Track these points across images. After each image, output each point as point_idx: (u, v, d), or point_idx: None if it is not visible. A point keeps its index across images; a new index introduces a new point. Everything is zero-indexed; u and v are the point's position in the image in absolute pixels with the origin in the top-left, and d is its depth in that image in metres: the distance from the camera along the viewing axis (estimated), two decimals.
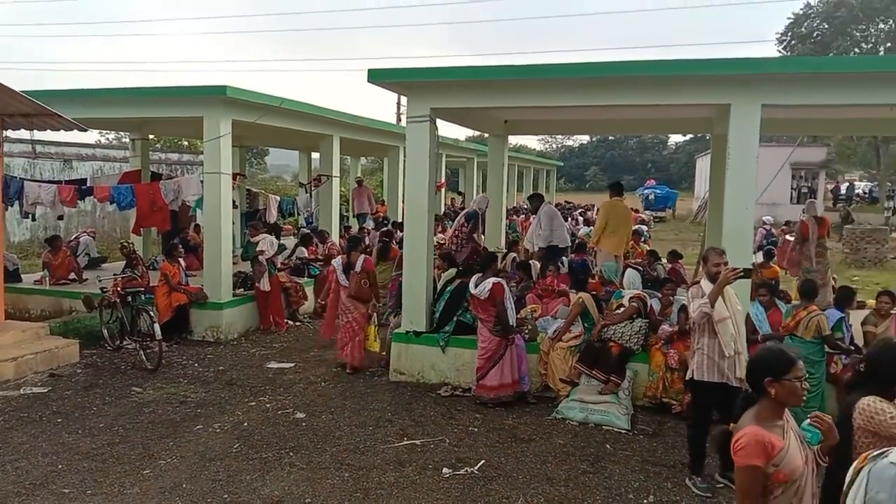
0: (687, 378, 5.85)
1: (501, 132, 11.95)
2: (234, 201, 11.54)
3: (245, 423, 6.89)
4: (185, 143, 29.00)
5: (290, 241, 13.65)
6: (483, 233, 11.41)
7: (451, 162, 25.13)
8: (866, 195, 37.06)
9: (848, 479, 2.65)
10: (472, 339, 7.72)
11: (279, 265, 11.50)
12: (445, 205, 22.67)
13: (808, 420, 3.11)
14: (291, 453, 6.17)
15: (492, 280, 7.45)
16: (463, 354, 7.98)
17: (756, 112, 7.03)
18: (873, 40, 35.29)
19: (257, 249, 10.56)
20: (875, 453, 2.57)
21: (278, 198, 13.57)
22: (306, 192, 13.95)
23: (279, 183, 39.64)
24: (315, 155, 16.85)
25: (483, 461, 6.01)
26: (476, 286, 7.47)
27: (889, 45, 34.27)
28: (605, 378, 7.26)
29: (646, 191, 37.57)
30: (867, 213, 30.83)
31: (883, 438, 3.20)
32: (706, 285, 5.55)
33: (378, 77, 8.06)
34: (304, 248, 12.83)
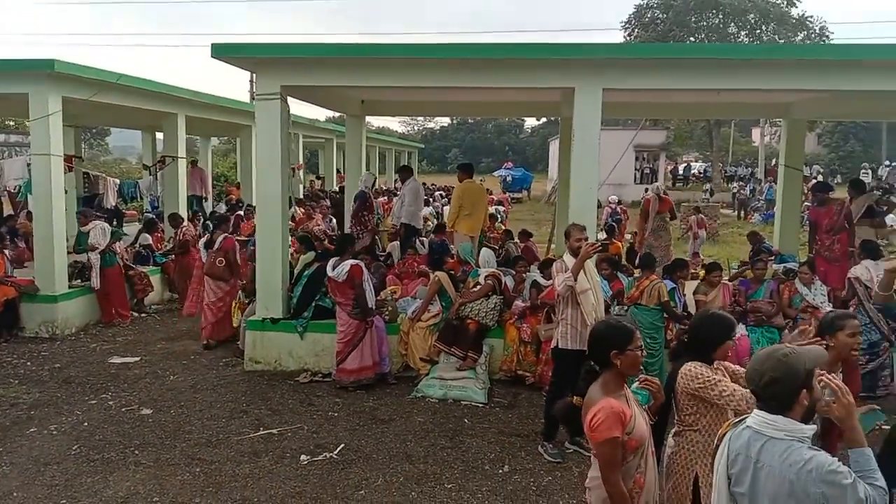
0: (552, 347, 6.10)
1: (358, 112, 11.78)
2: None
3: (85, 423, 6.40)
4: (12, 122, 26.38)
5: (134, 228, 12.78)
6: (369, 214, 11.06)
7: (310, 143, 24.57)
8: (701, 175, 40.17)
9: (715, 444, 2.77)
10: (332, 324, 7.59)
11: (121, 253, 10.72)
12: (304, 187, 22.15)
13: (637, 383, 3.31)
14: (137, 452, 5.81)
15: (350, 262, 7.35)
16: (322, 339, 7.84)
17: (598, 95, 7.35)
18: (705, 31, 38.14)
19: (89, 243, 9.77)
20: (737, 420, 2.70)
21: (118, 181, 12.66)
22: (150, 175, 13.10)
23: (123, 165, 37.10)
24: (160, 135, 15.85)
25: (343, 445, 5.95)
26: (334, 269, 7.35)
27: (715, 36, 37.15)
28: (463, 354, 7.39)
29: (504, 173, 38.65)
30: (701, 191, 33.44)
31: (702, 401, 3.46)
32: (568, 260, 5.80)
33: (223, 52, 7.66)
34: (148, 235, 12.05)
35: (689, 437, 3.51)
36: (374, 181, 11.04)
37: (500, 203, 24.80)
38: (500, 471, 5.58)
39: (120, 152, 52.49)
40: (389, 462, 5.66)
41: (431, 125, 68.99)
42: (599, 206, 15.32)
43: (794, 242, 11.49)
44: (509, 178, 37.05)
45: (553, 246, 12.13)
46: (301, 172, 20.81)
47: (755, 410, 2.55)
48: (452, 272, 8.45)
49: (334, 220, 13.85)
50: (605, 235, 12.36)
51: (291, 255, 8.93)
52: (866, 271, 7.36)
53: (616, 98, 9.02)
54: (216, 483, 5.25)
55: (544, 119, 50.14)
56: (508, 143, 63.29)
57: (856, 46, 8.40)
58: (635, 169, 34.87)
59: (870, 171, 28.96)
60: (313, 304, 7.92)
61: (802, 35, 36.67)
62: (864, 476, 2.37)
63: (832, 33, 37.51)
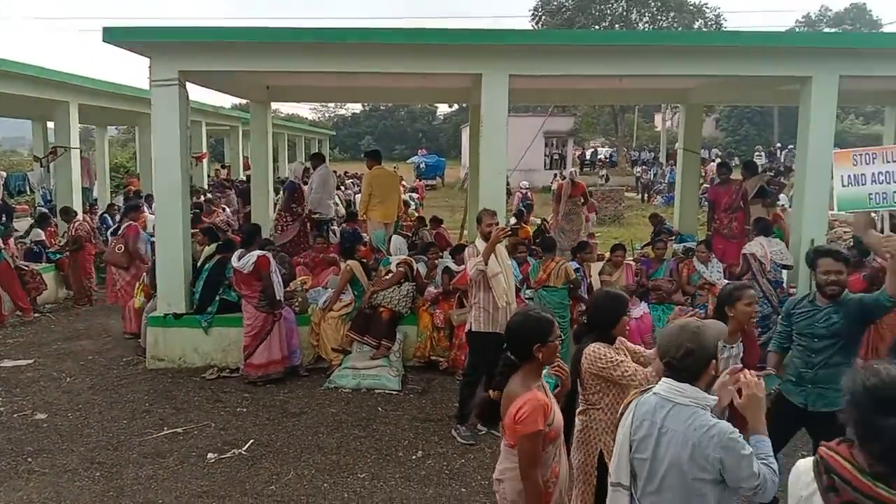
0: (465, 331, 6.14)
1: (264, 98, 11.46)
2: None
3: None
4: None
5: (27, 223, 12.02)
6: (299, 204, 10.73)
7: (215, 131, 23.77)
8: (608, 160, 41.35)
9: (620, 411, 2.88)
10: (239, 318, 7.37)
11: (11, 250, 10.07)
12: (209, 177, 21.42)
13: (548, 370, 3.35)
14: (31, 459, 5.48)
15: (256, 253, 7.16)
16: (229, 334, 7.61)
17: (505, 82, 7.41)
18: (609, 19, 39.19)
19: None
20: (643, 389, 2.82)
21: (4, 174, 11.84)
22: (42, 167, 12.34)
23: (14, 157, 34.82)
24: (51, 125, 14.95)
25: (252, 441, 5.81)
26: (239, 260, 7.14)
27: (619, 24, 38.25)
28: (376, 343, 7.35)
29: (417, 160, 38.60)
30: (598, 178, 34.45)
31: (605, 380, 3.56)
32: (480, 244, 5.85)
33: (115, 37, 7.27)
34: (40, 231, 11.36)
35: (594, 416, 3.61)
36: (304, 170, 10.74)
37: (413, 190, 24.78)
38: (414, 456, 5.59)
39: (10, 143, 49.18)
40: (301, 455, 5.57)
41: (343, 112, 67.99)
42: (510, 192, 15.52)
43: (692, 222, 12.01)
44: (423, 166, 37.00)
45: (466, 232, 12.21)
46: (206, 162, 20.12)
47: (663, 378, 2.68)
48: (364, 260, 8.37)
49: (228, 210, 13.48)
50: (514, 220, 12.54)
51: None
52: (760, 247, 7.75)
53: (524, 84, 9.13)
54: (117, 487, 5.02)
55: (456, 106, 50.36)
56: (422, 130, 63.22)
57: (746, 33, 8.81)
58: (545, 155, 35.52)
59: (763, 154, 30.57)
60: (217, 297, 7.67)
61: (700, 23, 38.23)
62: (762, 458, 2.53)
63: (726, 21, 39.33)
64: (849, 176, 4.35)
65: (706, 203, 11.86)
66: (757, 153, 30.29)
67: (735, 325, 3.93)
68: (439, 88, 11.71)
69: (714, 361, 2.62)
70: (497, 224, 5.94)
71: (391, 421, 6.28)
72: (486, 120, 7.49)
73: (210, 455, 5.55)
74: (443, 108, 62.95)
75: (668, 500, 2.59)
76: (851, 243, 7.77)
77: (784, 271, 7.77)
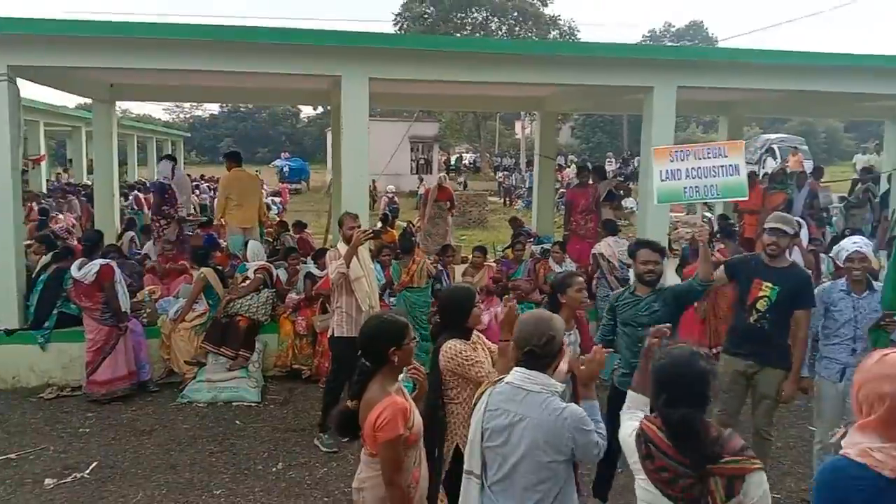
0: (328, 336, 6.01)
1: (107, 97, 10.71)
2: None
3: None
4: None
5: None
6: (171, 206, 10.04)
7: (56, 132, 22.02)
8: (472, 165, 42.33)
9: (473, 402, 2.93)
10: (81, 332, 6.82)
11: None
12: (48, 180, 19.81)
13: (406, 373, 3.33)
14: None
15: (99, 262, 6.67)
16: (69, 349, 7.02)
17: (364, 84, 7.36)
18: (470, 27, 40.12)
19: None
20: (496, 380, 2.90)
21: None
22: None
23: None
24: None
25: (96, 463, 5.40)
26: (80, 269, 6.62)
27: (480, 32, 39.27)
28: (233, 354, 7.05)
29: (281, 163, 37.64)
30: (473, 181, 35.27)
31: (461, 376, 3.60)
32: (342, 248, 5.75)
33: None
34: None
35: (451, 410, 3.64)
36: (173, 169, 10.04)
37: (276, 194, 24.16)
38: (274, 469, 5.41)
39: None
40: (151, 475, 5.23)
41: (200, 113, 65.09)
42: (376, 197, 15.42)
43: (549, 224, 12.50)
44: (286, 169, 36.10)
45: (330, 236, 12.02)
46: (44, 165, 18.60)
47: (515, 368, 2.77)
48: (220, 267, 8.03)
49: (69, 216, 12.55)
50: (380, 224, 12.51)
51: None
52: (608, 247, 8.17)
53: (386, 88, 9.14)
54: None
55: (321, 108, 49.64)
56: (285, 133, 61.66)
57: (595, 45, 9.26)
58: (411, 160, 35.79)
59: (614, 160, 32.37)
60: (55, 311, 7.07)
61: (555, 33, 39.97)
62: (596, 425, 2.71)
63: (580, 32, 41.39)
64: (667, 171, 4.67)
65: (563, 206, 12.39)
66: (608, 160, 32.03)
67: (568, 311, 4.13)
68: (298, 90, 11.47)
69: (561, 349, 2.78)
70: (359, 227, 5.89)
71: (250, 434, 6.05)
72: (347, 122, 7.41)
73: (48, 480, 5.10)
74: (307, 111, 61.78)
75: (518, 485, 2.67)
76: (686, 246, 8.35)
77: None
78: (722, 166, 4.68)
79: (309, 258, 8.69)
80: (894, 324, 4.18)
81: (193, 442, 5.86)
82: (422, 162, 34.93)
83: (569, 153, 41.51)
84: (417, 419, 3.02)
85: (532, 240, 11.10)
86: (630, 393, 2.83)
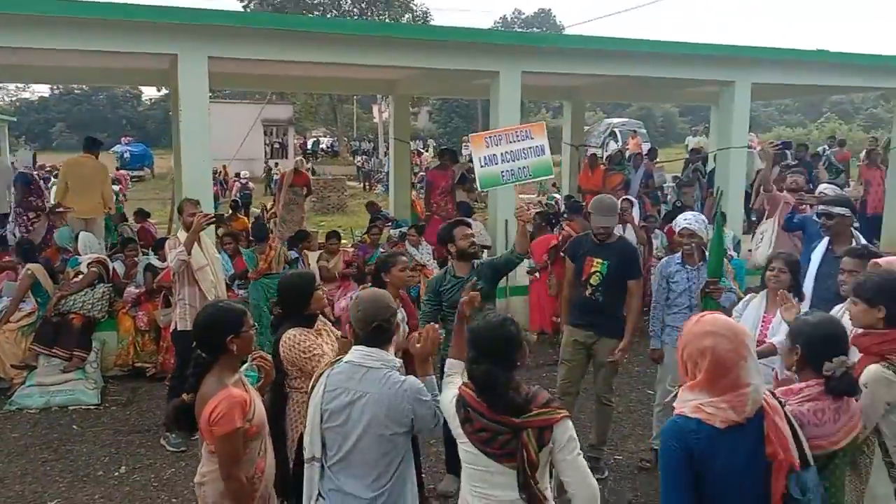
0: (171, 331, 5.70)
1: None
2: None
3: None
4: None
5: None
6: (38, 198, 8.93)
7: None
8: (329, 149, 41.61)
9: (311, 385, 2.89)
10: None
11: None
12: None
13: (249, 363, 3.22)
14: None
15: None
16: None
17: (203, 63, 7.01)
18: (322, 7, 39.25)
19: None
20: (333, 360, 2.89)
21: None
22: None
23: None
24: None
25: None
26: None
27: (333, 13, 38.57)
28: (67, 354, 6.54)
29: (121, 149, 35.19)
30: (330, 166, 34.67)
31: (297, 367, 3.53)
32: (182, 235, 5.46)
33: None
34: None
35: (295, 398, 3.57)
36: (33, 159, 9.03)
37: (116, 182, 22.56)
38: (117, 473, 5.11)
39: None
40: None
41: (27, 95, 59.39)
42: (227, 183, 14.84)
43: (406, 207, 12.56)
44: (127, 155, 33.83)
45: (175, 225, 11.40)
46: None
47: (354, 347, 2.79)
48: (50, 262, 7.39)
49: None
50: (231, 212, 12.05)
51: None
52: None
53: (234, 68, 8.75)
54: None
55: (165, 90, 46.83)
56: (126, 117, 57.58)
57: (444, 28, 9.36)
58: (265, 144, 34.68)
59: (469, 145, 33.02)
60: None
61: (409, 17, 40.02)
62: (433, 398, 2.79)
63: (433, 17, 41.69)
64: (485, 157, 4.84)
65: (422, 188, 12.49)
66: (464, 143, 32.62)
67: (393, 290, 4.16)
68: (135, 69, 10.71)
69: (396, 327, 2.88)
70: (201, 212, 5.60)
71: (89, 439, 5.66)
72: (185, 104, 7.04)
73: None
74: (150, 92, 58.04)
75: (359, 461, 2.71)
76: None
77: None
78: (530, 147, 4.90)
79: (150, 249, 8.24)
80: (719, 290, 4.54)
81: (25, 451, 5.40)
82: (276, 146, 33.97)
83: (427, 137, 41.88)
84: (259, 409, 2.94)
85: (390, 224, 11.12)
86: (448, 360, 2.91)
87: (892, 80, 10.85)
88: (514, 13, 61.92)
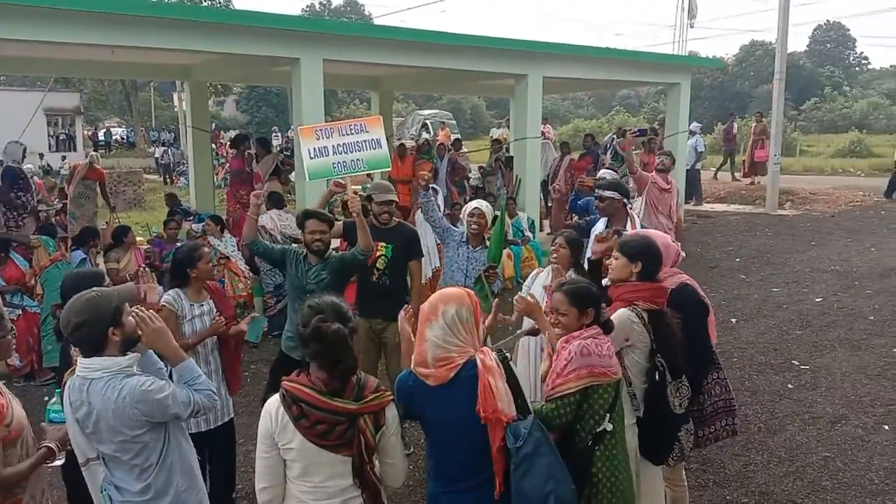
0: None
1: None
2: None
3: None
4: None
5: None
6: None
7: None
8: (124, 140, 38.61)
9: (61, 391, 2.81)
10: None
11: None
12: None
13: (56, 399, 2.97)
14: None
15: None
16: None
17: None
18: None
19: None
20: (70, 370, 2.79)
21: None
22: None
23: None
24: None
25: None
26: None
27: None
28: None
29: None
30: (127, 158, 32.17)
31: None
32: None
33: None
34: None
35: None
36: (24, 153, 7.61)
37: None
38: None
39: None
40: None
41: None
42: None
43: (209, 200, 12.00)
44: None
45: None
46: None
47: (80, 358, 2.65)
48: None
49: None
50: None
51: None
52: (271, 220, 8.13)
53: (11, 51, 7.84)
54: None
55: None
56: None
57: (240, 12, 9.03)
58: (49, 135, 31.47)
59: (279, 134, 32.20)
60: None
61: (209, 2, 38.09)
62: (191, 384, 2.72)
63: (232, 4, 39.99)
64: (315, 149, 4.82)
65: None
66: (274, 133, 31.80)
67: (199, 283, 4.06)
68: None
69: (113, 328, 2.60)
70: None
71: None
72: None
73: None
74: None
75: (118, 461, 2.67)
76: None
77: None
78: (365, 141, 4.94)
79: None
80: (495, 275, 4.85)
81: None
82: (62, 137, 30.94)
83: (233, 127, 40.24)
84: (20, 414, 2.78)
85: (192, 218, 10.55)
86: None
87: (667, 76, 12.13)
88: (322, 2, 61.14)
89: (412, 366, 2.72)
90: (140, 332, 2.66)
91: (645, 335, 3.25)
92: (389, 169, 5.43)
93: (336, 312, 2.50)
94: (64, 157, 25.06)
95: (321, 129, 4.92)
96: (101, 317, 2.57)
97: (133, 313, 2.66)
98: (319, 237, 4.53)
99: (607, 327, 3.06)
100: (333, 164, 4.83)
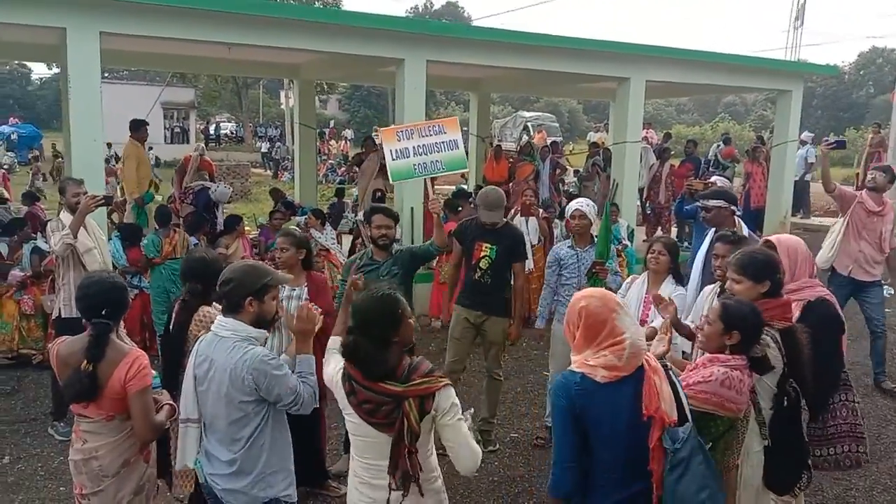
0: (54, 318, 5.47)
1: None
2: None
3: None
4: None
5: None
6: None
7: None
8: (233, 135, 40.40)
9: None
10: None
11: None
12: None
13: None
14: None
15: None
16: None
17: (94, 39, 6.71)
18: None
19: None
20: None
21: None
22: None
23: None
24: None
25: None
26: None
27: None
28: None
29: (7, 130, 32.99)
30: (235, 152, 33.69)
31: None
32: (66, 217, 5.21)
33: None
34: None
35: None
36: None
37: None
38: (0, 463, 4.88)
39: None
40: None
41: None
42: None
43: (313, 195, 12.44)
44: (14, 136, 31.78)
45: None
46: None
47: (218, 317, 2.94)
48: None
49: None
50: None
51: None
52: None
53: (130, 46, 8.39)
54: None
55: (57, 69, 44.13)
56: (13, 96, 54.06)
57: (348, 13, 9.35)
58: (165, 128, 33.36)
59: (379, 134, 32.89)
60: None
61: (320, 2, 39.31)
62: (303, 377, 2.88)
63: (344, 3, 41.12)
64: (396, 150, 4.93)
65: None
66: (374, 132, 32.49)
67: (298, 269, 4.32)
68: (20, 44, 10.10)
69: (252, 298, 2.84)
70: (85, 193, 5.37)
71: None
72: (75, 81, 6.71)
73: None
74: (41, 71, 54.65)
75: (217, 426, 2.87)
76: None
77: None
78: (443, 142, 5.03)
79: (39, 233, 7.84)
80: (604, 271, 4.82)
81: None
82: (177, 130, 32.73)
83: (338, 125, 41.41)
84: None
85: (296, 212, 10.97)
86: (332, 337, 2.96)
87: (777, 83, 11.63)
88: (425, 4, 62.07)
89: (575, 365, 2.57)
90: (296, 320, 2.94)
91: (778, 359, 3.02)
92: (466, 169, 5.47)
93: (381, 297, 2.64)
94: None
95: (402, 131, 5.02)
96: (246, 284, 2.84)
97: (306, 307, 2.99)
98: (385, 232, 4.69)
99: (760, 366, 2.89)
100: (414, 165, 4.93)
